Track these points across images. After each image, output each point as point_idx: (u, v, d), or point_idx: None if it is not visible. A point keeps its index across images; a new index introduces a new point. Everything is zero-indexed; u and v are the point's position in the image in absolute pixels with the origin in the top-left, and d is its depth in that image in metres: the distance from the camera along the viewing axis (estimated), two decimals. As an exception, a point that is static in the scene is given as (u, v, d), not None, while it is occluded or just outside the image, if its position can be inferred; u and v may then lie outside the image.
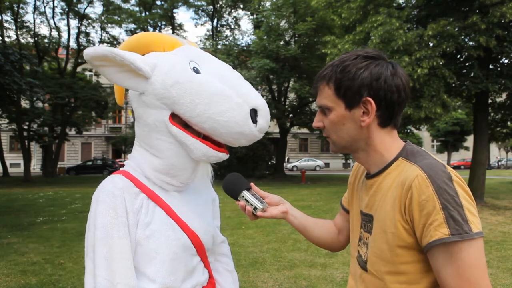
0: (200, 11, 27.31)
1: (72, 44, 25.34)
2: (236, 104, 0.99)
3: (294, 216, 1.21)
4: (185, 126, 1.04)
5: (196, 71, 1.03)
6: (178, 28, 28.31)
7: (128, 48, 1.08)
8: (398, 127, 1.04)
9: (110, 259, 0.97)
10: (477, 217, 0.87)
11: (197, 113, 0.99)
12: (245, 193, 1.10)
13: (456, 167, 30.23)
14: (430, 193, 0.86)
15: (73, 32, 32.38)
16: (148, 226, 1.03)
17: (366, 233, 1.06)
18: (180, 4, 26.10)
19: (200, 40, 27.86)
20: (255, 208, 1.09)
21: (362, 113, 0.98)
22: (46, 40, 24.48)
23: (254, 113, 1.00)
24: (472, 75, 10.32)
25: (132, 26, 26.51)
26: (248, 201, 1.10)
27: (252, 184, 1.15)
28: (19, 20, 22.91)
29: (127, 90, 1.13)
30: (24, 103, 23.57)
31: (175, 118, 1.03)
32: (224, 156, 1.07)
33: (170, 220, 1.06)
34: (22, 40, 23.38)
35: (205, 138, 1.05)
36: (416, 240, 0.91)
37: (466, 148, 32.18)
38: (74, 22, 37.32)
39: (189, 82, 1.00)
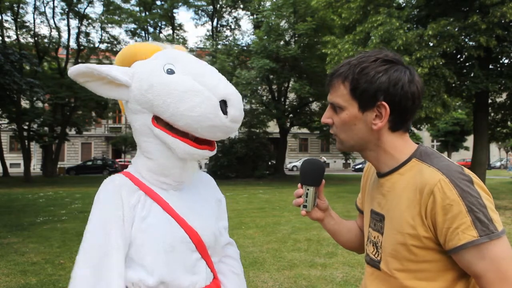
0: (200, 11, 27.30)
1: (72, 44, 25.39)
2: (205, 98, 0.99)
3: (327, 222, 1.27)
4: (170, 127, 1.06)
5: (170, 72, 1.06)
6: (178, 28, 28.33)
7: (120, 62, 1.17)
8: (409, 130, 1.04)
9: (95, 249, 1.01)
10: (497, 214, 0.90)
11: (171, 112, 1.02)
12: (311, 189, 1.16)
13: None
14: (454, 197, 0.87)
15: (73, 32, 32.34)
16: (144, 220, 1.06)
17: (375, 232, 1.05)
18: (180, 4, 26.09)
19: (200, 40, 27.96)
20: (305, 206, 1.17)
21: (375, 116, 0.98)
22: (46, 40, 24.49)
23: (224, 104, 1.00)
24: (472, 75, 10.33)
25: (132, 26, 26.56)
26: (306, 196, 1.17)
27: (323, 182, 1.19)
28: (19, 20, 22.91)
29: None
30: (24, 103, 23.58)
31: (159, 120, 1.07)
32: (206, 153, 1.08)
33: (167, 215, 1.09)
34: (22, 40, 23.39)
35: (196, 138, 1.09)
36: (435, 242, 0.92)
37: (466, 148, 32.21)
38: (74, 22, 37.27)
39: (161, 84, 1.03)
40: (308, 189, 1.16)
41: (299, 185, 1.18)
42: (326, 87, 1.06)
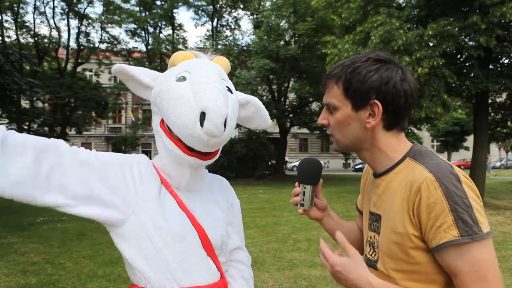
0: (200, 11, 27.26)
1: (72, 44, 25.33)
2: (189, 107, 1.01)
3: (327, 222, 1.29)
4: (171, 130, 1.11)
5: (182, 79, 1.08)
6: (178, 28, 28.28)
7: (169, 66, 1.24)
8: (405, 129, 1.05)
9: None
10: (485, 217, 0.88)
11: (167, 117, 1.07)
12: (308, 188, 1.17)
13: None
14: (438, 195, 0.87)
15: (73, 32, 32.39)
16: (157, 207, 1.09)
17: (372, 232, 1.06)
18: (180, 4, 26.06)
19: (200, 41, 27.91)
20: (302, 204, 1.20)
21: (368, 115, 0.99)
22: (46, 40, 24.45)
23: (203, 116, 1.00)
24: (472, 75, 10.32)
25: (132, 26, 26.49)
26: (303, 194, 1.18)
27: (320, 182, 1.19)
28: (19, 20, 22.86)
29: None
30: (24, 103, 23.56)
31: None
32: (194, 160, 1.08)
33: (178, 208, 1.12)
34: (22, 40, 23.34)
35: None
36: (423, 241, 0.92)
37: (466, 148, 32.16)
38: (74, 22, 37.30)
39: (166, 89, 1.09)
40: (305, 188, 1.17)
41: (296, 183, 1.19)
42: (321, 89, 1.07)
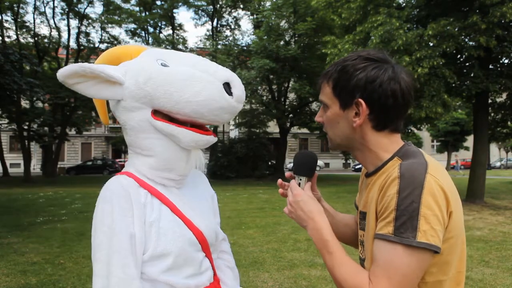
0: (200, 11, 27.28)
1: (72, 44, 25.37)
2: (208, 83, 1.02)
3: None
4: (169, 119, 1.07)
5: (164, 65, 1.07)
6: (178, 28, 28.31)
7: (122, 60, 1.15)
8: (400, 130, 1.03)
9: (111, 253, 0.99)
10: (435, 230, 0.86)
11: (175, 101, 1.02)
12: (303, 180, 1.16)
13: (456, 167, 30.29)
14: (394, 192, 0.88)
15: (73, 32, 32.37)
16: (154, 223, 1.04)
17: (361, 230, 1.07)
18: (180, 4, 26.08)
19: (200, 40, 27.91)
20: None
21: (355, 114, 0.98)
22: (46, 40, 24.48)
23: (227, 86, 1.04)
24: (472, 75, 10.33)
25: (132, 26, 26.53)
26: (298, 186, 1.17)
27: (316, 175, 1.18)
28: (19, 20, 22.89)
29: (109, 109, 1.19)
30: (24, 103, 23.58)
31: (158, 114, 1.06)
32: (211, 138, 1.10)
33: (175, 217, 1.08)
34: (22, 40, 23.37)
35: (192, 126, 1.10)
36: None
37: (466, 148, 32.19)
38: (74, 22, 37.29)
39: (160, 75, 1.04)
40: (300, 179, 1.16)
41: (290, 174, 1.18)
42: (317, 87, 1.08)
